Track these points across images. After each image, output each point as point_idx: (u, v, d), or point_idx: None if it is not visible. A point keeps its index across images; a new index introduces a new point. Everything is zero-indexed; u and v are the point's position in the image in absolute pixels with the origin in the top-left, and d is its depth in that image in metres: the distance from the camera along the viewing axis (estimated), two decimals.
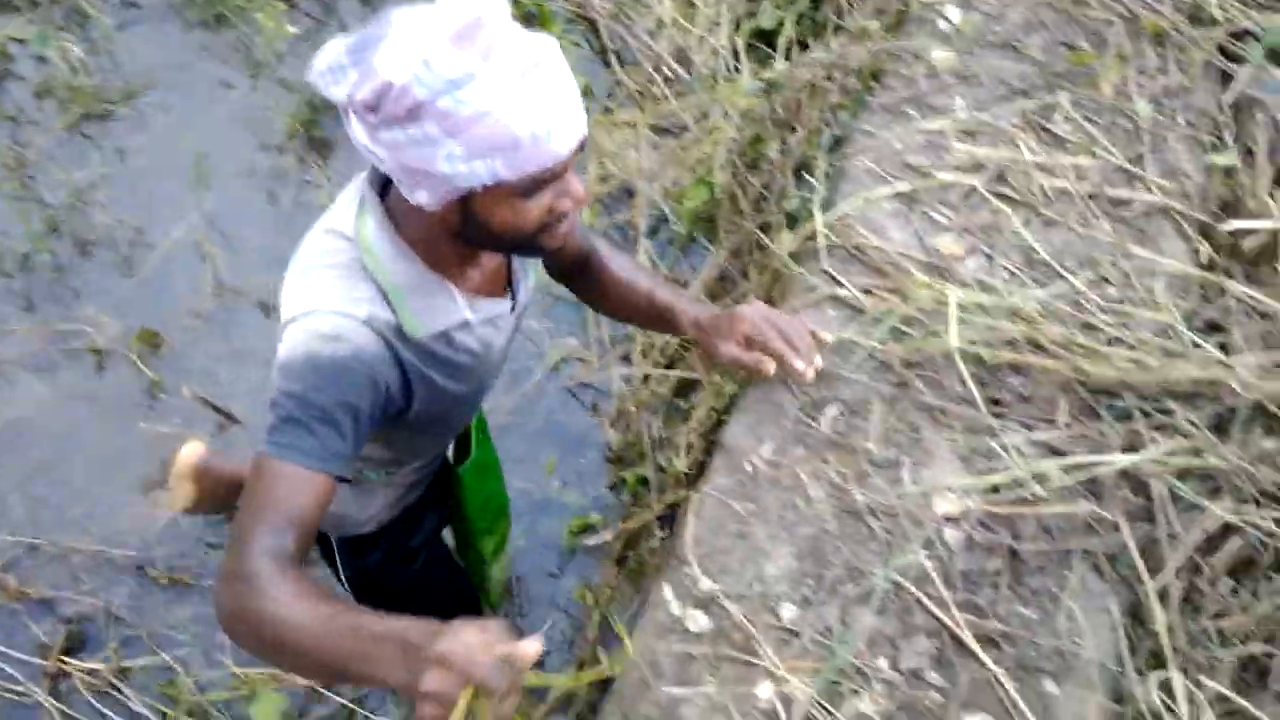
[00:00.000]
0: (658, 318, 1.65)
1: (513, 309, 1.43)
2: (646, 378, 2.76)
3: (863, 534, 1.47)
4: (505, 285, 1.42)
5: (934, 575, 1.43)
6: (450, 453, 1.74)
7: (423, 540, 1.83)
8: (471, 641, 0.96)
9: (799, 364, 1.53)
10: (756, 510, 1.49)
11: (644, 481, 2.51)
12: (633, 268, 1.67)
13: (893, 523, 1.48)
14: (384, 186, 1.29)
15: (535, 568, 2.51)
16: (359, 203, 1.27)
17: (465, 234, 1.23)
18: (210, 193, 3.24)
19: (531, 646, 0.98)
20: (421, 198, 1.16)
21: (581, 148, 1.19)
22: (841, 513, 1.49)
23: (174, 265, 3.10)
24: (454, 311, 1.31)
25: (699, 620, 1.39)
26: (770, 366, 1.54)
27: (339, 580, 1.79)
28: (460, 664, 0.95)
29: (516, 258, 1.42)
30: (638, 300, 1.65)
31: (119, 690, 2.21)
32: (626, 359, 2.88)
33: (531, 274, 1.49)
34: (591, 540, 2.48)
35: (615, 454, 2.72)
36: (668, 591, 1.42)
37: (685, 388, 2.68)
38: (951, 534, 1.47)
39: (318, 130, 3.45)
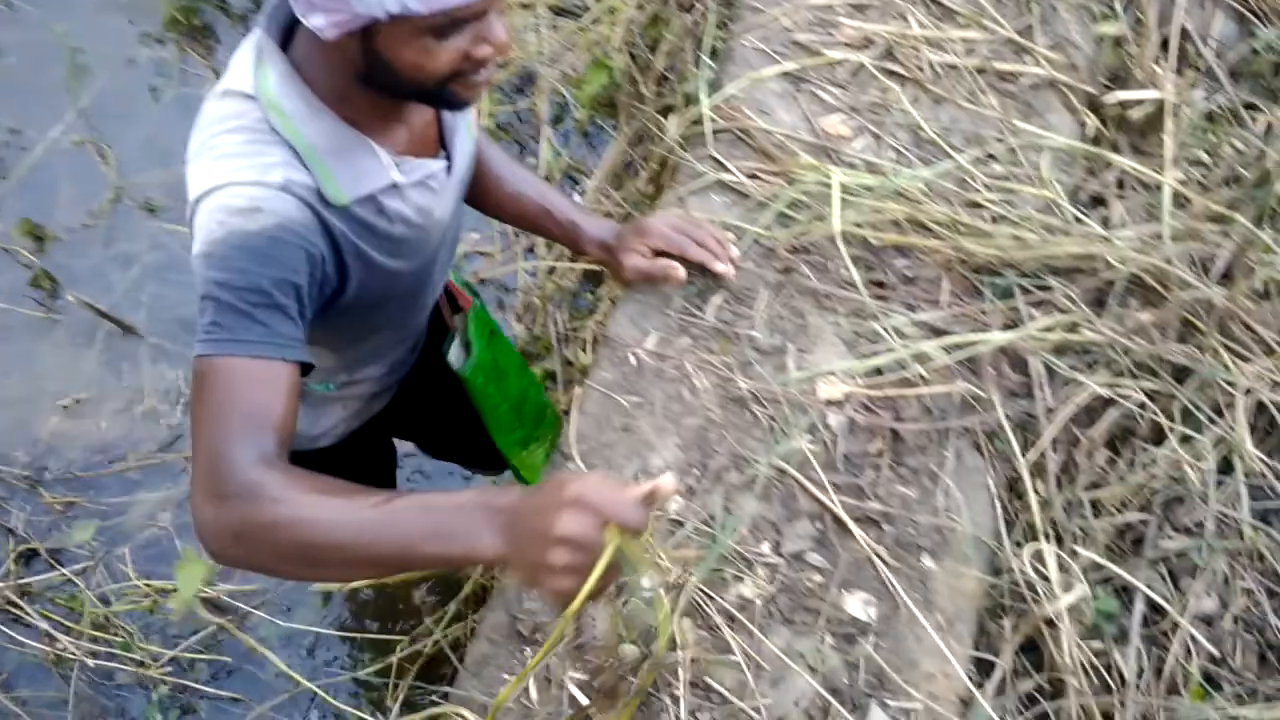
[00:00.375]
0: (558, 234, 1.59)
1: (449, 170, 1.30)
2: (552, 270, 2.72)
3: (747, 421, 1.47)
4: (437, 144, 1.30)
5: (816, 459, 1.44)
6: (454, 355, 1.60)
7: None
8: (603, 483, 0.90)
9: (720, 268, 1.52)
10: (642, 402, 1.49)
11: (551, 375, 2.50)
12: (518, 170, 1.59)
13: (777, 409, 1.48)
14: (284, 37, 1.14)
15: (441, 467, 2.51)
16: (256, 55, 1.12)
17: (369, 75, 1.09)
18: (88, 89, 3.09)
19: (669, 482, 0.93)
20: (317, 21, 1.01)
21: None
22: (726, 401, 1.49)
23: (53, 167, 2.97)
24: (378, 172, 1.18)
25: None
26: (681, 272, 1.51)
27: None
28: (600, 504, 0.88)
29: (447, 111, 1.29)
30: (527, 208, 1.58)
31: (20, 608, 2.18)
32: (531, 250, 2.83)
33: (466, 133, 1.35)
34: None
35: (522, 348, 2.70)
36: None
37: (591, 279, 2.65)
38: (834, 418, 1.48)
39: (199, 19, 3.29)
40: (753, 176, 1.66)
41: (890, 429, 1.47)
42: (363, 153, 1.17)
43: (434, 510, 0.94)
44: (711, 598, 1.34)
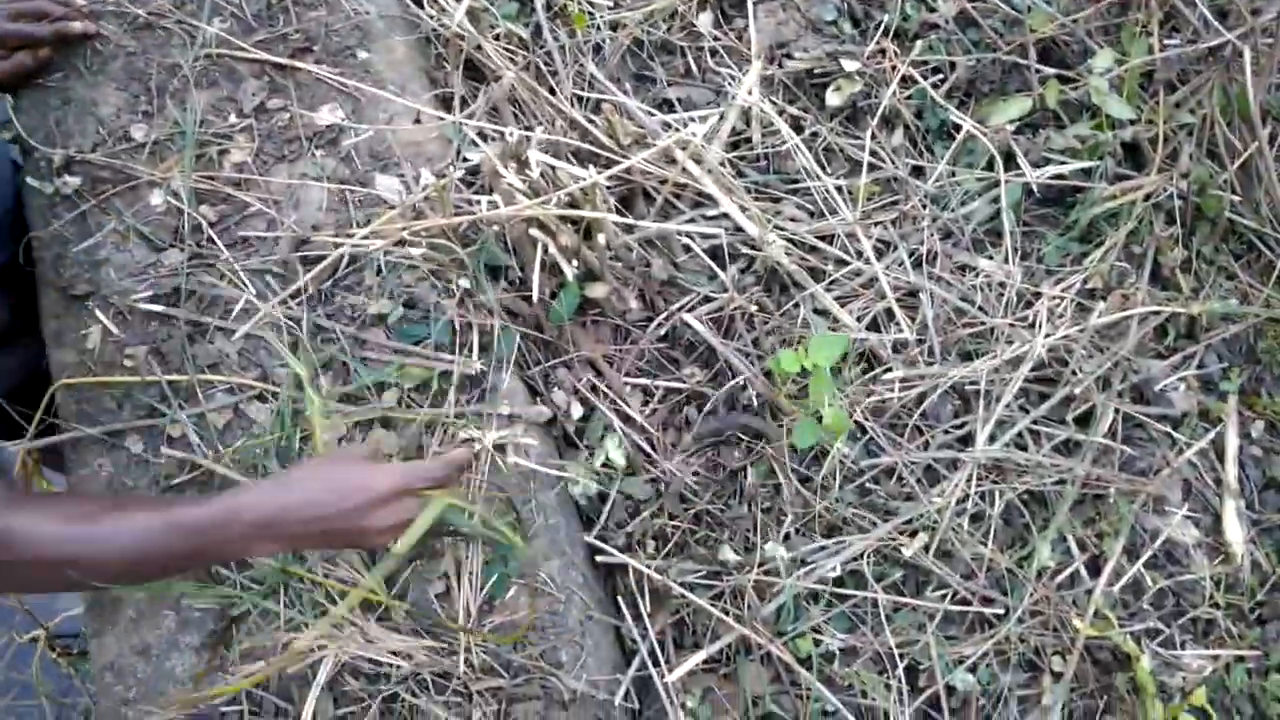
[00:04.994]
0: None
1: None
2: None
3: (161, 38, 1.33)
4: None
5: (234, 34, 1.33)
6: None
7: None
8: (412, 467, 0.92)
9: (77, 27, 1.28)
10: (67, 71, 1.31)
11: None
12: None
13: (176, 16, 1.34)
14: None
15: None
16: None
17: None
18: None
19: (463, 453, 1.02)
20: None
21: None
22: (135, 32, 1.33)
23: None
24: None
25: (71, 182, 1.26)
26: (45, 52, 1.27)
27: None
28: (416, 483, 0.90)
29: None
30: None
31: None
32: None
33: None
34: None
35: None
36: (31, 180, 1.27)
37: None
38: None
39: None
40: None
41: None
42: None
43: (187, 531, 0.84)
44: (212, 176, 1.27)
